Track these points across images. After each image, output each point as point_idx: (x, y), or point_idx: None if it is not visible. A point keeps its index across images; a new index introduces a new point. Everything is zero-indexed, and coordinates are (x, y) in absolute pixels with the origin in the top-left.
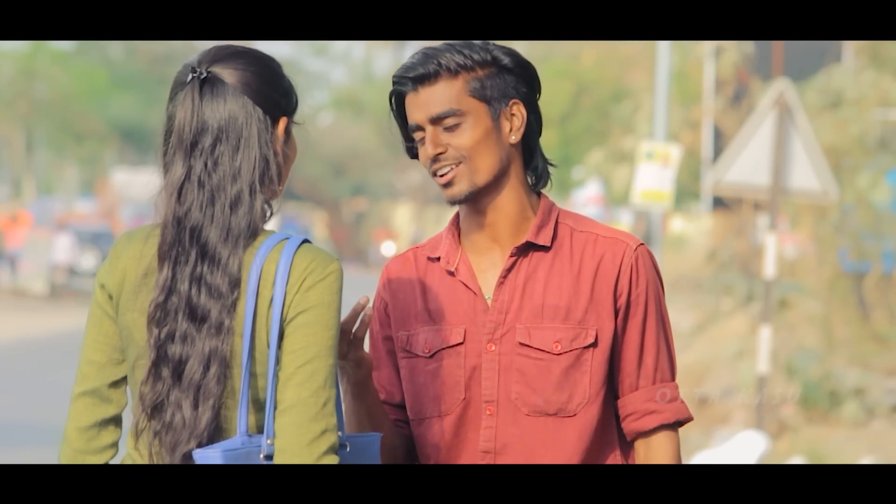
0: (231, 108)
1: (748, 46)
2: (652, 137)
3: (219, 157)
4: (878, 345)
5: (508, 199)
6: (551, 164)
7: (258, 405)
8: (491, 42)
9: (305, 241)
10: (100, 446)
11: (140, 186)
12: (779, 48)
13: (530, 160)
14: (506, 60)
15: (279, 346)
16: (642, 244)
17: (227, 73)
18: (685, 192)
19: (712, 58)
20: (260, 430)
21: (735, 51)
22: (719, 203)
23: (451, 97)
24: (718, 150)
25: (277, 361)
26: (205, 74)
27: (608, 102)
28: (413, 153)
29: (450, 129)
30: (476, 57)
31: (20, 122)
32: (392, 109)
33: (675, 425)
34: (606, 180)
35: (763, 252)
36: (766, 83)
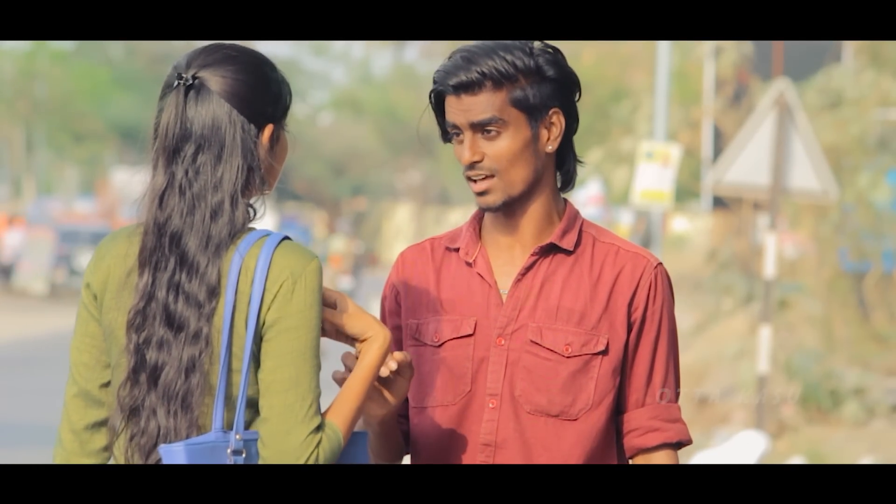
0: (215, 116)
1: (748, 46)
2: (652, 137)
3: (200, 166)
4: (878, 345)
5: (537, 205)
6: (580, 162)
7: (234, 402)
8: (532, 44)
9: (286, 238)
10: (93, 449)
11: (140, 186)
12: (779, 48)
13: (562, 164)
14: (550, 72)
15: (260, 348)
16: (661, 263)
17: (214, 81)
18: (685, 192)
19: (712, 58)
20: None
21: (735, 51)
22: (719, 203)
23: (493, 106)
24: (718, 150)
25: (254, 358)
26: (190, 81)
27: (608, 102)
28: (448, 138)
29: (489, 136)
30: (519, 64)
31: (20, 122)
32: (431, 102)
33: (677, 446)
34: (606, 180)
35: (763, 252)
36: (766, 83)
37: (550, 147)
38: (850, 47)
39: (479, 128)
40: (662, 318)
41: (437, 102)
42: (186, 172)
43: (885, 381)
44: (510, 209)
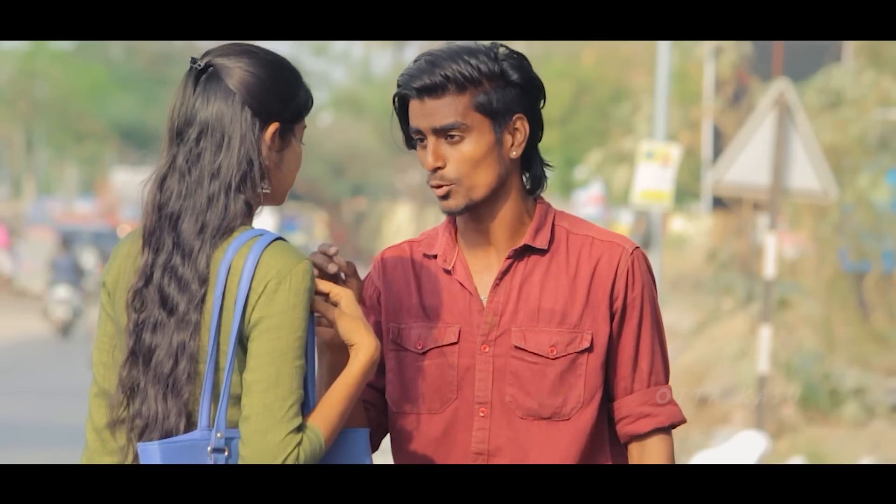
0: (220, 105)
1: (748, 46)
2: (652, 137)
3: (201, 153)
4: (878, 345)
5: (505, 209)
6: (548, 166)
7: (220, 399)
8: (498, 46)
9: (278, 238)
10: (115, 447)
11: (140, 186)
12: (779, 48)
13: (528, 168)
14: (514, 77)
15: (245, 347)
16: (637, 247)
17: (226, 70)
18: (685, 192)
19: (712, 58)
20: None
21: (735, 51)
22: (719, 203)
23: (456, 111)
24: (718, 150)
25: (236, 356)
26: (201, 66)
27: (608, 102)
28: (412, 145)
29: (452, 141)
30: (483, 68)
31: (20, 122)
32: (395, 108)
33: (670, 428)
34: (607, 180)
35: (763, 252)
36: (765, 83)
37: (514, 153)
38: (850, 47)
39: (443, 133)
40: (644, 303)
41: (401, 107)
42: (188, 156)
43: (885, 381)
44: (476, 213)
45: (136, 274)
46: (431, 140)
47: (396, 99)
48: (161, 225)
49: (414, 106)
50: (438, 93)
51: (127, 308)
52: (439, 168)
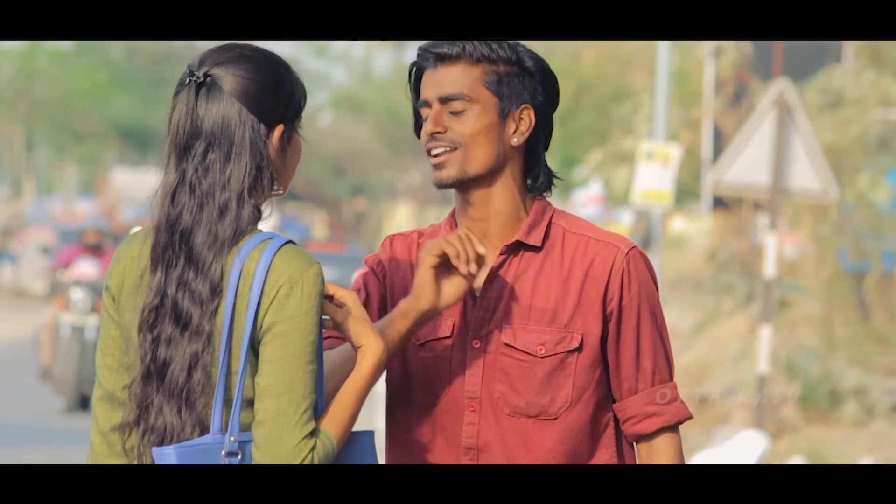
0: (225, 115)
1: (748, 46)
2: (652, 137)
3: (210, 165)
4: (878, 345)
5: (500, 197)
6: (556, 177)
7: (233, 403)
8: (521, 44)
9: (289, 242)
10: (121, 450)
11: (140, 186)
12: (779, 48)
13: (531, 167)
14: (529, 64)
15: (256, 352)
16: (635, 247)
17: (226, 79)
18: (685, 192)
19: (712, 58)
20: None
21: (735, 51)
22: (719, 203)
23: (464, 82)
24: (718, 150)
25: (249, 360)
26: (201, 79)
27: (608, 102)
28: (419, 131)
29: (455, 112)
30: (501, 52)
31: (20, 122)
32: (409, 82)
33: (676, 426)
34: (607, 180)
35: (763, 252)
36: (766, 83)
37: (515, 140)
38: (850, 47)
39: (447, 103)
40: (641, 303)
41: (416, 81)
42: (196, 170)
43: (885, 381)
44: (469, 195)
45: (149, 291)
46: (435, 107)
47: (413, 71)
48: (173, 241)
49: (427, 76)
50: (452, 60)
51: (141, 326)
52: (438, 132)
